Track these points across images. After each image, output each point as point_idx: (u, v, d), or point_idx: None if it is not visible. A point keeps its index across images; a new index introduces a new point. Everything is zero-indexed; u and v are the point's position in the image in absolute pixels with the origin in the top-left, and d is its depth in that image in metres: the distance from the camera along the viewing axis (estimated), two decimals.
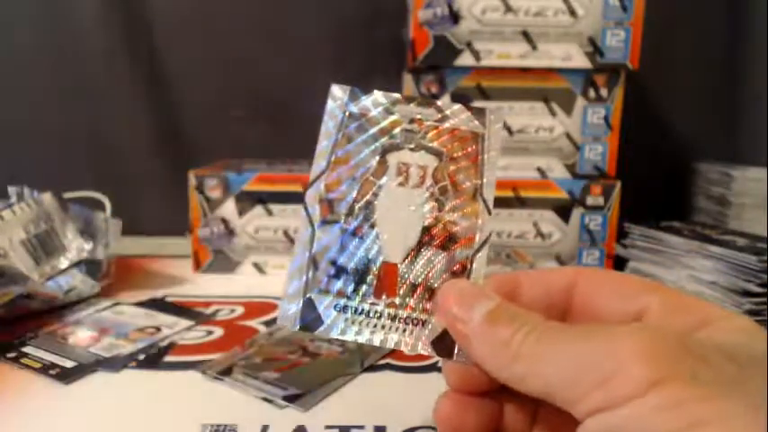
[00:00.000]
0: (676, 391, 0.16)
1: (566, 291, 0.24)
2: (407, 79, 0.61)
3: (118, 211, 0.60)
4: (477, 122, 0.24)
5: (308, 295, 0.23)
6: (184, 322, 0.47)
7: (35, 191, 0.55)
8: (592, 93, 0.60)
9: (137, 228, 0.62)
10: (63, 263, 0.53)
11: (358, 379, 0.38)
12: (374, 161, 0.24)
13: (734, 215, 0.68)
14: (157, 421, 0.33)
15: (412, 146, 0.24)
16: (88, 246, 0.55)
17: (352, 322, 0.23)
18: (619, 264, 0.62)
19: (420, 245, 0.24)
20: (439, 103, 0.25)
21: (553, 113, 0.61)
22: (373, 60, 0.73)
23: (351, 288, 0.23)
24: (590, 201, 0.61)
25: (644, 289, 0.22)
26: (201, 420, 0.32)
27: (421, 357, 0.41)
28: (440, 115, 0.24)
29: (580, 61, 0.59)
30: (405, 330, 0.23)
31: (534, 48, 0.58)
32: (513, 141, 0.61)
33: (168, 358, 0.41)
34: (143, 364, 0.40)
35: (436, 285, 0.24)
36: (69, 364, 0.39)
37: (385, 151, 0.24)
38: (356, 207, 0.24)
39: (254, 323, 0.47)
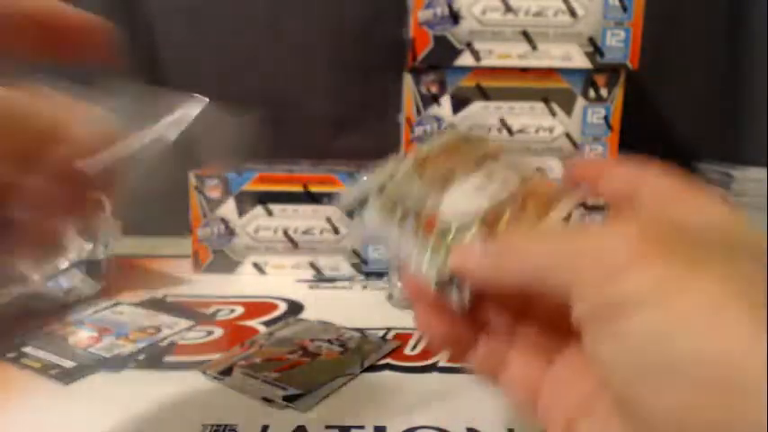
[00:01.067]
0: (660, 267, 0.17)
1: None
2: (407, 79, 0.61)
3: (118, 211, 0.60)
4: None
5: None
6: (184, 322, 0.47)
7: None
8: (592, 93, 0.60)
9: (137, 228, 0.62)
10: (63, 263, 0.53)
11: (358, 379, 0.38)
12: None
13: None
14: (157, 421, 0.33)
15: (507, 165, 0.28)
16: (88, 246, 0.55)
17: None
18: None
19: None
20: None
21: (553, 113, 0.61)
22: (373, 60, 0.73)
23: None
24: (590, 200, 0.61)
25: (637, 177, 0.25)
26: (202, 420, 0.32)
27: (421, 357, 0.41)
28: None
29: (580, 61, 0.59)
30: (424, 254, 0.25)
31: (534, 48, 0.58)
32: (513, 141, 0.61)
33: (168, 358, 0.41)
34: (143, 364, 0.40)
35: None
36: (69, 364, 0.39)
37: (483, 159, 0.28)
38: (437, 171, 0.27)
39: (254, 323, 0.47)
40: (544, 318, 0.25)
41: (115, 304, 0.51)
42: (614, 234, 0.19)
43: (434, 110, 0.60)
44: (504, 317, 0.26)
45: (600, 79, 0.60)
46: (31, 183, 0.21)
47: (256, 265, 0.62)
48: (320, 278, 0.60)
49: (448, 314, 0.25)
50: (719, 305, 0.16)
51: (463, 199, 0.26)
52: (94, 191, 0.22)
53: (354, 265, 0.61)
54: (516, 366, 0.25)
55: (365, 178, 0.28)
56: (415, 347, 0.42)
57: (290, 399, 0.35)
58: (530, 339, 0.26)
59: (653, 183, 0.26)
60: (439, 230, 0.26)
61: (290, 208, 0.60)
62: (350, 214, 0.27)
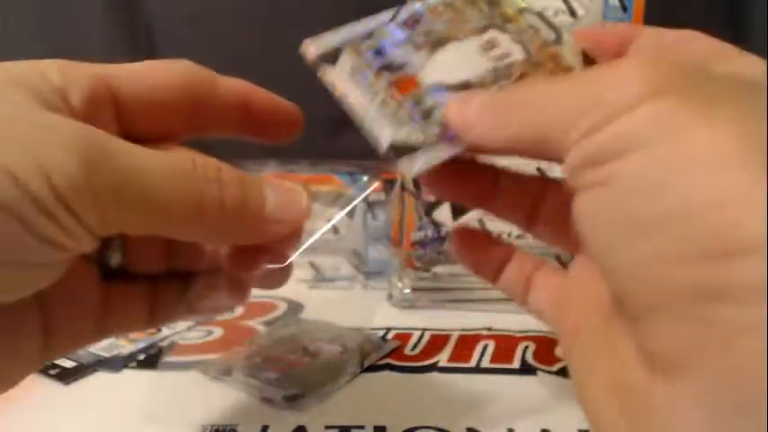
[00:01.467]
0: (664, 103, 0.15)
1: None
2: None
3: None
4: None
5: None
6: (184, 322, 0.47)
7: None
8: None
9: None
10: None
11: (358, 379, 0.38)
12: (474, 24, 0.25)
13: None
14: (157, 421, 0.33)
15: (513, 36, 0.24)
16: None
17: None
18: None
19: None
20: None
21: None
22: None
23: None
24: None
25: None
26: (202, 421, 0.32)
27: (421, 357, 0.41)
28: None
29: None
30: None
31: None
32: None
33: (168, 358, 0.41)
34: (143, 364, 0.40)
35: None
36: (69, 364, 0.39)
37: (488, 26, 0.24)
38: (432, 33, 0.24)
39: (254, 323, 0.47)
40: (557, 220, 0.24)
41: None
42: (622, 67, 0.17)
43: None
44: (517, 217, 0.25)
45: None
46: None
47: None
48: (320, 278, 0.60)
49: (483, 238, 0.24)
50: (727, 148, 0.14)
51: (449, 66, 0.23)
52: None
53: (355, 266, 0.61)
54: (540, 281, 0.25)
55: (344, 29, 0.25)
56: (415, 347, 0.42)
57: (289, 399, 0.35)
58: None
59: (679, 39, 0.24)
60: (414, 95, 0.23)
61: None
62: (317, 65, 0.25)
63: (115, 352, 0.41)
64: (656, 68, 0.16)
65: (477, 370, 0.39)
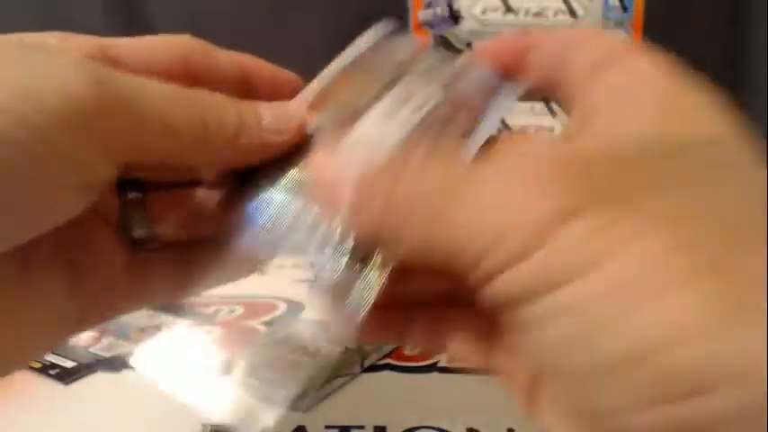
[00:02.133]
0: (592, 218, 0.13)
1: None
2: None
3: None
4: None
5: None
6: (183, 322, 0.47)
7: None
8: None
9: None
10: None
11: (358, 379, 0.38)
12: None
13: None
14: (157, 421, 0.33)
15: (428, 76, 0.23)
16: None
17: None
18: None
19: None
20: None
21: (553, 113, 0.61)
22: None
23: None
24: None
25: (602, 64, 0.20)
26: (202, 420, 0.32)
27: (421, 357, 0.41)
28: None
29: None
30: None
31: None
32: None
33: None
34: None
35: None
36: (69, 364, 0.39)
37: (393, 79, 0.23)
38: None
39: (254, 323, 0.47)
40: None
41: None
42: (530, 176, 0.15)
43: None
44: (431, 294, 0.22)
45: None
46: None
47: None
48: None
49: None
50: (660, 269, 0.13)
51: (371, 139, 0.20)
52: None
53: None
54: (460, 342, 0.22)
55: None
56: (415, 347, 0.42)
57: (290, 399, 0.35)
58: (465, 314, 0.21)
59: (586, 60, 0.19)
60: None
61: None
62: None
63: (115, 352, 0.41)
64: (568, 176, 0.14)
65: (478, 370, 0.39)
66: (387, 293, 0.19)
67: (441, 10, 0.58)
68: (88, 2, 0.73)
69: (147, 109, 0.17)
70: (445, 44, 0.58)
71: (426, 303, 0.22)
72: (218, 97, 0.21)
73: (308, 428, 0.32)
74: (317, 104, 0.22)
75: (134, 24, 0.75)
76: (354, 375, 0.38)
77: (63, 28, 0.73)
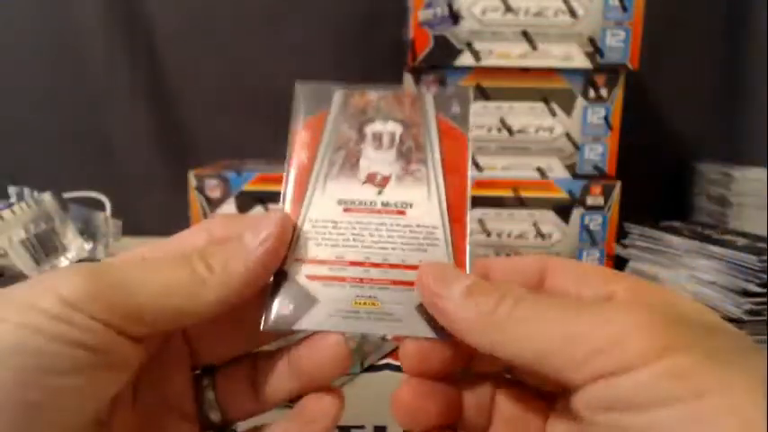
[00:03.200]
0: (681, 360, 0.17)
1: (536, 277, 0.24)
2: (407, 79, 0.61)
3: (118, 211, 0.60)
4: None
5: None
6: None
7: (35, 191, 0.55)
8: (592, 93, 0.60)
9: (137, 228, 0.62)
10: (63, 263, 0.53)
11: (358, 379, 0.38)
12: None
13: (734, 215, 0.68)
14: None
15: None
16: (88, 246, 0.55)
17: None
18: (618, 264, 0.62)
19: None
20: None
21: (553, 113, 0.61)
22: (373, 60, 0.73)
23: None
24: (590, 201, 0.61)
25: (611, 277, 0.23)
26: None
27: None
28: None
29: (580, 61, 0.59)
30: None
31: (534, 48, 0.58)
32: (513, 141, 0.61)
33: None
34: None
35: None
36: None
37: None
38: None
39: None
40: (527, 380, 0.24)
41: None
42: (623, 318, 0.18)
43: None
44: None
45: (600, 79, 0.60)
46: None
47: None
48: None
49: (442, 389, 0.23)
50: (744, 407, 0.16)
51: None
52: None
53: None
54: (506, 422, 0.24)
55: None
56: None
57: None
58: (517, 391, 0.24)
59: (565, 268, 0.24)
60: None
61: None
62: None
63: None
64: (665, 322, 0.18)
65: None
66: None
67: (441, 10, 0.58)
68: (88, 2, 0.73)
69: (137, 279, 0.20)
70: (445, 44, 0.58)
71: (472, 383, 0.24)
72: (190, 239, 0.23)
73: None
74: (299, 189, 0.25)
75: (134, 24, 0.75)
76: (354, 375, 0.38)
77: (63, 28, 0.73)
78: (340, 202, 0.25)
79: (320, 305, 0.23)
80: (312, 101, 0.27)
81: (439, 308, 0.22)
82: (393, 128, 0.26)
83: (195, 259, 0.22)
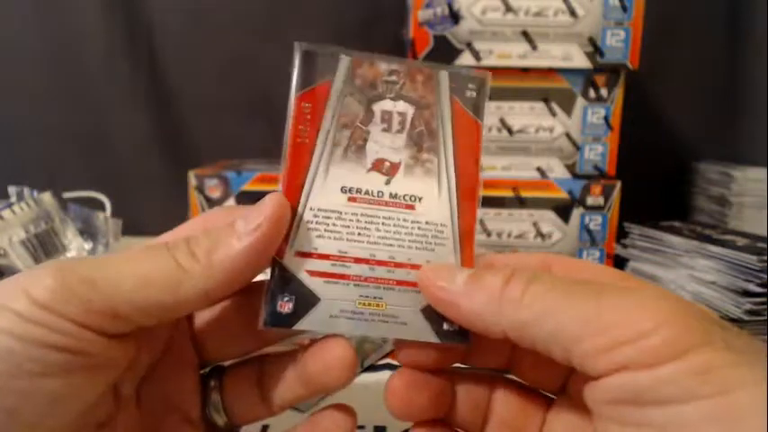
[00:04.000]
0: (709, 356, 0.16)
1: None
2: None
3: (118, 211, 0.60)
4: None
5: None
6: None
7: (35, 191, 0.55)
8: (592, 93, 0.60)
9: (137, 228, 0.62)
10: None
11: (358, 379, 0.38)
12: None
13: (734, 215, 0.68)
14: None
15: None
16: (88, 246, 0.55)
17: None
18: (618, 263, 0.62)
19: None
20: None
21: (553, 113, 0.61)
22: None
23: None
24: (590, 201, 0.61)
25: (615, 274, 0.22)
26: None
27: None
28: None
29: (580, 61, 0.59)
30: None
31: (534, 48, 0.58)
32: (513, 141, 0.61)
33: None
34: None
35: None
36: None
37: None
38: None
39: None
40: (529, 367, 0.23)
41: None
42: (651, 307, 0.17)
43: None
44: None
45: (600, 79, 0.60)
46: None
47: None
48: None
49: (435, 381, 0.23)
50: None
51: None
52: None
53: None
54: (501, 421, 0.23)
55: None
56: None
57: None
58: (514, 390, 0.24)
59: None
60: None
61: None
62: None
63: None
64: (689, 315, 0.17)
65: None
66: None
67: (441, 10, 0.58)
68: (89, 2, 0.73)
69: (111, 274, 0.19)
70: (445, 44, 0.58)
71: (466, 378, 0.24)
72: (187, 231, 0.21)
73: None
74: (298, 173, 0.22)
75: (134, 24, 0.75)
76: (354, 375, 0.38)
77: (63, 27, 0.73)
78: (344, 189, 0.22)
79: (322, 304, 0.22)
80: (314, 66, 0.23)
81: (445, 300, 0.21)
82: (404, 108, 0.23)
83: (178, 248, 0.20)
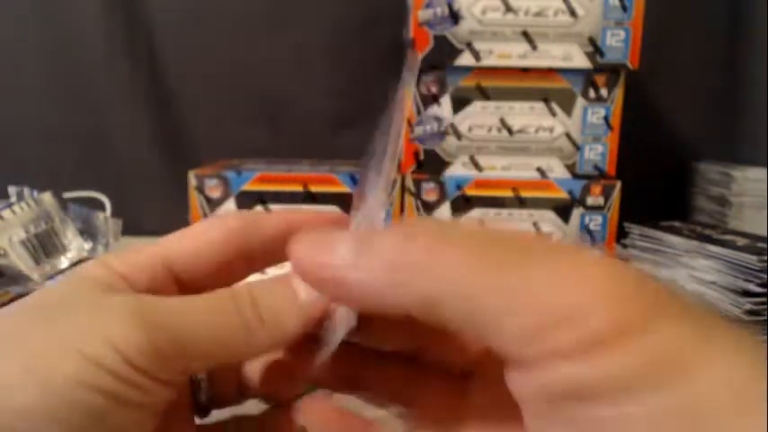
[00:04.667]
0: (663, 335, 0.13)
1: None
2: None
3: (118, 211, 0.60)
4: None
5: None
6: None
7: (35, 191, 0.55)
8: (592, 93, 0.60)
9: (137, 228, 0.62)
10: (63, 263, 0.53)
11: None
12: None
13: (734, 215, 0.68)
14: None
15: None
16: (88, 246, 0.55)
17: None
18: None
19: None
20: None
21: (553, 113, 0.61)
22: (373, 60, 0.73)
23: None
24: (590, 201, 0.61)
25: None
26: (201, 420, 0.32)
27: None
28: None
29: (580, 61, 0.59)
30: None
31: (534, 48, 0.58)
32: (513, 141, 0.61)
33: None
34: None
35: None
36: None
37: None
38: None
39: None
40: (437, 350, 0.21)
41: None
42: (591, 274, 0.14)
43: (434, 110, 0.61)
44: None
45: (600, 79, 0.60)
46: None
47: None
48: None
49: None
50: (744, 386, 0.13)
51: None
52: None
53: None
54: (428, 405, 0.22)
55: None
56: None
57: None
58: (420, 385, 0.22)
59: None
60: None
61: (289, 208, 0.60)
62: None
63: None
64: (632, 285, 0.14)
65: None
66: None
67: (441, 10, 0.58)
68: (89, 2, 0.73)
69: (193, 334, 0.18)
70: (445, 44, 0.58)
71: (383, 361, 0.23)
72: (255, 290, 0.20)
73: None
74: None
75: (134, 24, 0.75)
76: None
77: (63, 27, 0.73)
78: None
79: None
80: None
81: (332, 280, 0.17)
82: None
83: (244, 304, 0.19)
